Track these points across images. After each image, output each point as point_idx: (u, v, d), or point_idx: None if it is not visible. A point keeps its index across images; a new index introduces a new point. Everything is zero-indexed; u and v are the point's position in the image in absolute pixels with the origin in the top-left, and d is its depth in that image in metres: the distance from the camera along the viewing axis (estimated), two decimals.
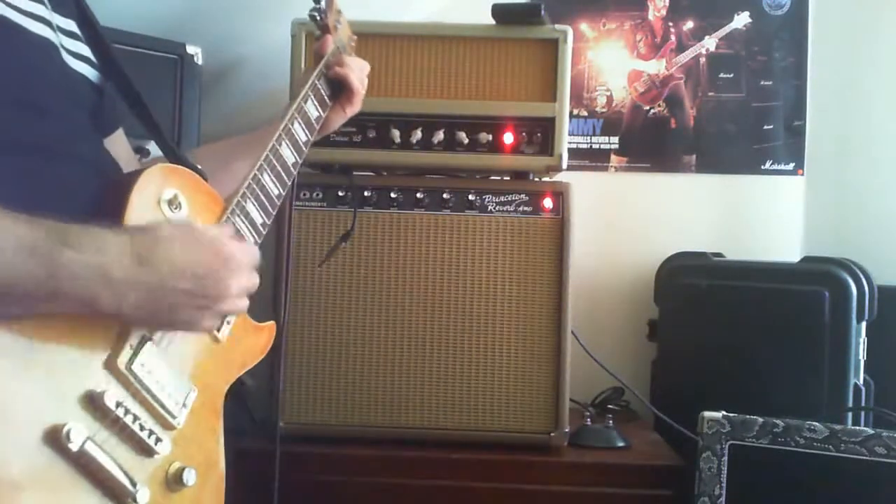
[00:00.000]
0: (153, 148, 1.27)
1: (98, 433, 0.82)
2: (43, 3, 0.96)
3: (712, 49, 2.12)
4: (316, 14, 1.29)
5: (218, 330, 1.01)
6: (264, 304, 1.60)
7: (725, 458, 1.36)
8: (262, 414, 1.70)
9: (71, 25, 1.03)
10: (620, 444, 1.63)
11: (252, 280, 0.97)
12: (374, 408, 1.57)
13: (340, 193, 1.59)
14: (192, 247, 0.90)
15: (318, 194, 1.59)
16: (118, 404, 0.84)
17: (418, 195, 1.58)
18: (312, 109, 1.22)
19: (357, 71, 1.31)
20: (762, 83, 2.11)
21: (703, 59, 2.12)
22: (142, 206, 0.92)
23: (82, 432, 0.79)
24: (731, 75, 2.11)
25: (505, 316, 1.57)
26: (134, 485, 0.84)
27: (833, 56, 2.09)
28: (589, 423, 1.67)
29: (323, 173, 1.62)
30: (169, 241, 0.88)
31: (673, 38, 2.12)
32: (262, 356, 1.13)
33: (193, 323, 0.92)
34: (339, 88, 1.30)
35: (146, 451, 0.88)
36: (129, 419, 0.85)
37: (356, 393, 1.57)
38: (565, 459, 1.55)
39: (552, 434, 1.56)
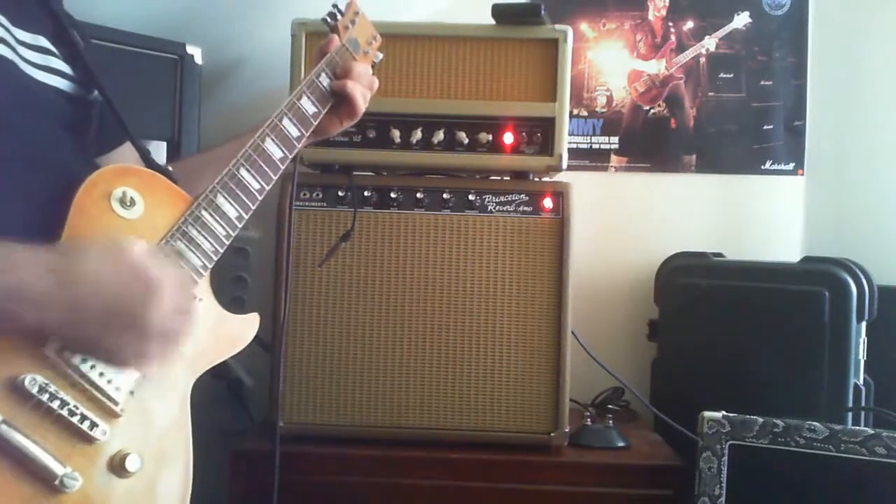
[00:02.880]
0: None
1: (19, 417, 0.84)
2: None
3: (712, 49, 2.12)
4: (328, 17, 1.29)
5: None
6: (264, 304, 1.61)
7: (725, 458, 1.36)
8: (262, 414, 1.70)
9: (39, 40, 1.04)
10: (620, 444, 1.63)
11: (183, 303, 0.94)
12: (373, 408, 1.57)
13: (340, 193, 1.59)
14: (113, 267, 0.90)
15: (318, 194, 1.59)
16: (42, 389, 0.86)
17: (418, 195, 1.58)
18: (308, 105, 1.21)
19: (363, 86, 1.27)
20: (762, 83, 2.11)
21: (703, 59, 2.12)
22: (88, 206, 0.94)
23: None
24: (731, 75, 2.11)
25: (505, 316, 1.57)
26: (63, 467, 0.86)
27: (833, 56, 2.09)
28: (589, 423, 1.67)
29: (323, 173, 1.62)
30: (88, 261, 0.89)
31: (673, 38, 2.12)
32: (240, 348, 1.12)
33: (120, 349, 0.90)
34: (340, 98, 1.27)
35: (82, 437, 0.89)
36: (55, 404, 0.86)
37: (356, 393, 1.57)
38: (565, 459, 1.55)
39: (552, 434, 1.56)
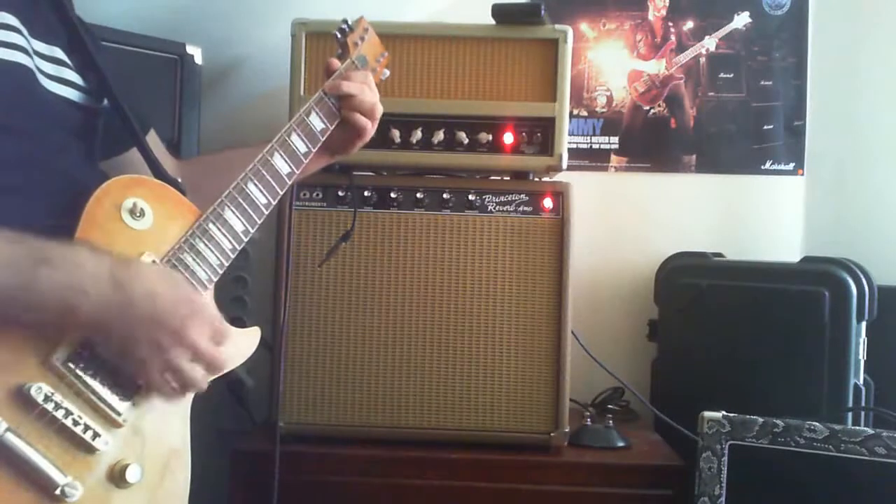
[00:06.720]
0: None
1: (23, 425, 0.84)
2: (18, 32, 0.98)
3: (712, 49, 2.12)
4: (338, 33, 1.29)
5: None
6: (264, 304, 1.61)
7: (725, 458, 1.36)
8: (262, 414, 1.70)
9: (54, 51, 1.05)
10: (620, 444, 1.63)
11: (219, 329, 0.97)
12: (373, 408, 1.56)
13: (340, 193, 1.59)
14: (168, 281, 0.95)
15: (318, 194, 1.59)
16: (47, 398, 0.86)
17: (418, 195, 1.58)
18: (317, 121, 1.22)
19: (366, 102, 1.26)
20: (762, 83, 2.11)
21: (703, 59, 2.12)
22: (99, 215, 0.95)
23: (0, 424, 0.82)
24: (731, 75, 2.11)
25: (505, 316, 1.57)
26: (64, 477, 0.86)
27: (833, 56, 2.09)
28: (589, 423, 1.67)
29: (323, 173, 1.61)
30: (145, 272, 0.93)
31: (673, 38, 2.12)
32: (240, 362, 1.12)
33: (152, 359, 0.92)
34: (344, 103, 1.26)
35: (85, 446, 0.89)
36: (59, 413, 0.87)
37: (356, 393, 1.57)
38: (565, 459, 1.55)
39: (552, 434, 1.56)
